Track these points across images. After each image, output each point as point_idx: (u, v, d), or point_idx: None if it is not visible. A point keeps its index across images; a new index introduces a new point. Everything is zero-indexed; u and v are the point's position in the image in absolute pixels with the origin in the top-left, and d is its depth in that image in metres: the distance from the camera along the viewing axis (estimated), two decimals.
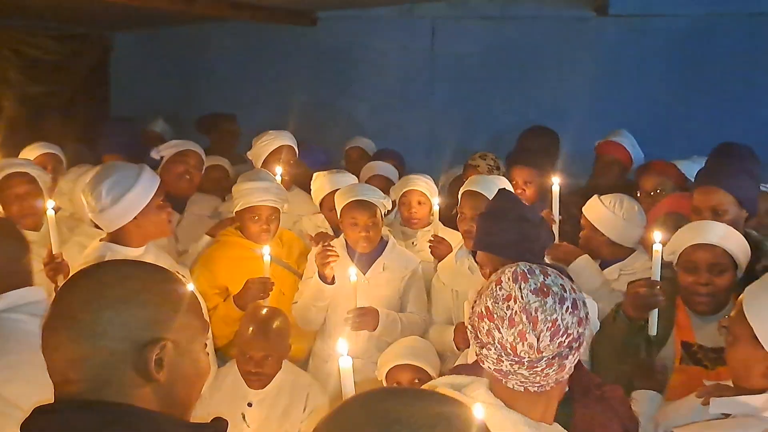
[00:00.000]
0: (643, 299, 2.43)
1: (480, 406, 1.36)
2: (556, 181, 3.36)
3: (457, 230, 3.67)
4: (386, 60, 6.09)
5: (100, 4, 4.66)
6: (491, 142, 5.08)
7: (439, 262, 3.40)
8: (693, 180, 3.42)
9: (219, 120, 5.39)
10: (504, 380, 1.48)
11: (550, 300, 1.43)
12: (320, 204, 3.84)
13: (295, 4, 5.87)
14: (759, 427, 1.66)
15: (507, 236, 2.36)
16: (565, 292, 1.46)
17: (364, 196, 3.27)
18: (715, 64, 5.35)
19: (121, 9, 4.99)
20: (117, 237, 2.81)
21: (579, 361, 1.54)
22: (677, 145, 4.18)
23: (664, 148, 4.34)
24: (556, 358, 1.43)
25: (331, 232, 3.79)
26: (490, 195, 2.89)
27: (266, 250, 3.17)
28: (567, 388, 1.58)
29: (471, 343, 1.57)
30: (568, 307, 1.44)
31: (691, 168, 3.73)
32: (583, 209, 3.29)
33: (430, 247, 3.51)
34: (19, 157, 3.90)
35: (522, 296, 1.43)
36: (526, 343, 1.43)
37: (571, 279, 1.57)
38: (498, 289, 1.47)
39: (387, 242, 3.38)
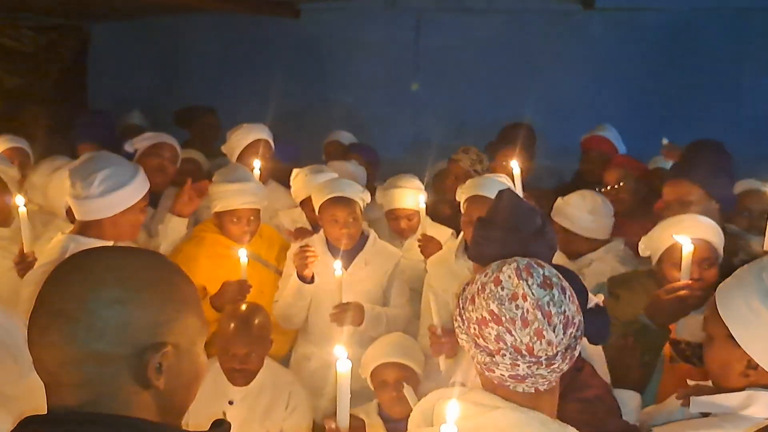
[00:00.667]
0: (667, 305, 2.39)
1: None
2: (515, 165, 3.34)
3: (445, 225, 3.63)
4: (370, 53, 6.03)
5: None
6: (476, 136, 5.03)
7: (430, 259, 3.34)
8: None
9: (198, 113, 5.30)
10: (514, 385, 1.39)
11: (556, 292, 1.38)
12: (301, 203, 3.77)
13: None
14: (737, 425, 1.62)
15: (495, 248, 2.25)
16: (561, 280, 1.42)
17: (342, 192, 3.21)
18: (701, 59, 5.37)
19: None
20: (86, 230, 2.71)
21: None
22: (659, 141, 4.16)
23: (649, 143, 4.33)
24: (568, 350, 1.39)
25: (309, 227, 3.74)
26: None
27: (243, 253, 3.10)
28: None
29: (466, 352, 1.48)
30: (570, 296, 1.40)
31: None
32: (552, 215, 3.31)
33: (419, 246, 3.46)
34: None
35: (532, 293, 1.36)
36: (544, 341, 1.35)
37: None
38: (500, 289, 1.38)
39: (368, 237, 3.33)
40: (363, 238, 3.31)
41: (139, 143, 3.70)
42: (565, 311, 1.37)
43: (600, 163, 4.22)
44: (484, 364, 1.40)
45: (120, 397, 1.10)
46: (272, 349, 3.00)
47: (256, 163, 3.76)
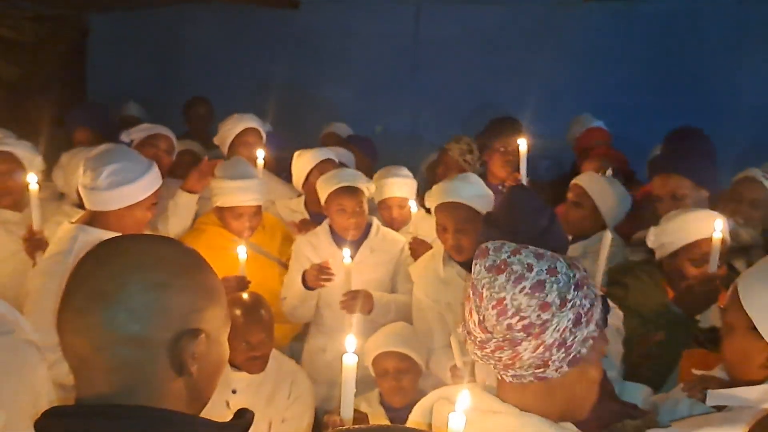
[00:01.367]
0: (701, 294, 2.42)
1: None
2: (523, 143, 3.35)
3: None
4: (369, 44, 6.00)
5: None
6: (477, 127, 5.01)
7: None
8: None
9: (190, 103, 5.32)
10: (490, 367, 1.40)
11: (502, 278, 1.33)
12: (307, 177, 3.74)
13: None
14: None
15: None
16: (530, 272, 1.33)
17: (349, 181, 3.22)
18: (700, 50, 5.36)
19: None
20: (94, 220, 2.74)
21: None
22: (660, 131, 4.15)
23: (647, 134, 4.33)
24: (507, 341, 1.33)
25: (306, 216, 3.74)
26: (465, 199, 2.83)
27: (242, 250, 3.10)
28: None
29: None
30: (524, 287, 1.32)
31: None
32: (579, 181, 3.28)
33: (410, 248, 3.42)
34: None
35: (475, 272, 1.37)
36: (471, 321, 1.37)
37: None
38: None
39: (371, 225, 3.36)
40: (367, 227, 3.33)
41: (135, 134, 3.71)
42: (503, 298, 1.32)
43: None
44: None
45: (154, 384, 1.09)
46: (276, 337, 3.01)
47: (260, 153, 3.75)
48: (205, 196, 3.81)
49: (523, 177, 3.36)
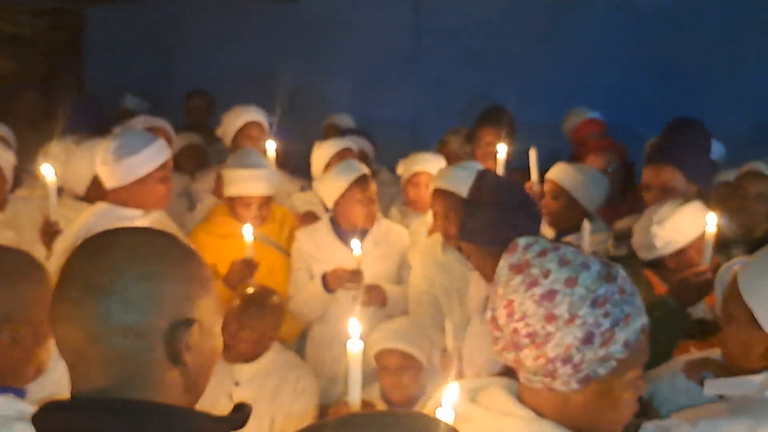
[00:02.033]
0: (696, 287, 2.42)
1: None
2: (501, 147, 3.41)
3: None
4: (368, 36, 5.98)
5: None
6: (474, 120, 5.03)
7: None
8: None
9: (189, 96, 5.34)
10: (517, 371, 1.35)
11: (518, 278, 1.29)
12: (327, 168, 3.72)
13: None
14: (760, 410, 1.56)
15: (482, 223, 2.30)
16: (545, 278, 1.27)
17: (363, 170, 3.25)
18: (701, 40, 5.33)
19: None
20: (114, 198, 2.87)
21: None
22: (660, 123, 4.14)
23: (647, 126, 4.32)
24: (512, 344, 1.30)
25: (321, 209, 3.72)
26: (460, 187, 2.81)
27: (247, 230, 3.11)
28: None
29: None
30: (534, 294, 1.26)
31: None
32: (550, 175, 3.28)
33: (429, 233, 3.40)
34: None
35: (499, 267, 1.34)
36: (487, 312, 1.35)
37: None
38: None
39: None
40: None
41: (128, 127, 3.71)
42: (512, 300, 1.29)
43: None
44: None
45: (149, 375, 1.09)
46: (283, 333, 3.03)
47: (270, 145, 3.74)
48: (205, 188, 3.84)
49: (535, 183, 3.40)
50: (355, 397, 1.81)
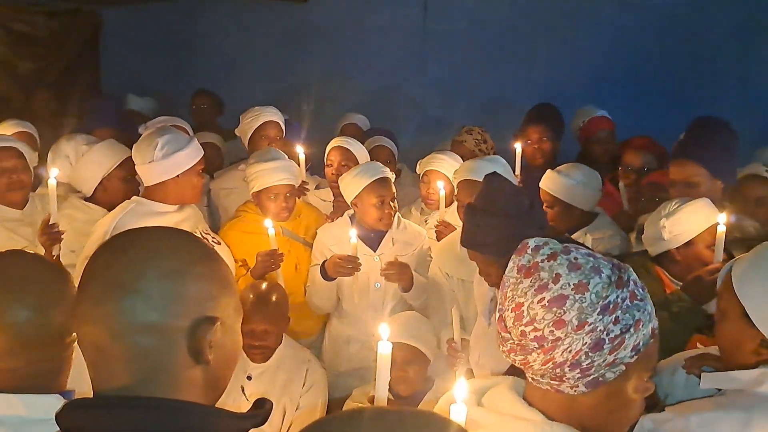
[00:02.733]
0: (709, 285, 2.44)
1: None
2: (518, 146, 3.57)
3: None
4: (378, 36, 6.02)
5: None
6: (486, 117, 5.04)
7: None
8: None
9: (194, 96, 5.41)
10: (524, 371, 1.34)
11: (527, 282, 1.27)
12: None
13: None
14: (751, 404, 1.59)
15: (489, 233, 2.31)
16: (555, 283, 1.25)
17: (383, 173, 3.29)
18: (711, 41, 5.33)
19: None
20: (152, 194, 3.01)
21: None
22: (672, 121, 4.16)
23: (658, 124, 4.33)
24: (519, 347, 1.28)
25: (331, 209, 3.79)
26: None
27: (269, 223, 3.21)
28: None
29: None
30: (543, 299, 1.25)
31: None
32: (541, 185, 3.35)
33: (436, 231, 3.47)
34: None
35: (507, 268, 1.33)
36: (496, 315, 1.34)
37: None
38: None
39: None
40: None
41: (152, 127, 3.77)
42: (521, 303, 1.27)
43: (606, 143, 4.28)
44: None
45: (172, 373, 1.10)
46: (302, 329, 3.07)
47: (300, 149, 3.88)
48: (227, 186, 3.91)
49: (516, 177, 3.49)
50: (382, 397, 1.87)
